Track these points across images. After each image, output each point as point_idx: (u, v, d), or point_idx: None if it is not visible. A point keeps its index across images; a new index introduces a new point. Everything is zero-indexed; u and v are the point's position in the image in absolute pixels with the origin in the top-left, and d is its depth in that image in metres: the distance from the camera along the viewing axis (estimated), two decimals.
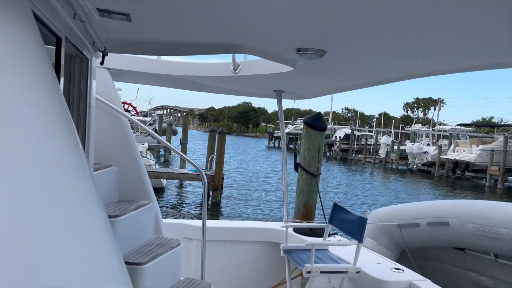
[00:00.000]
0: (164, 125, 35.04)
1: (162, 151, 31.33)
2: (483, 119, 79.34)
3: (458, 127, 43.45)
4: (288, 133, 55.16)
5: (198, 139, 52.07)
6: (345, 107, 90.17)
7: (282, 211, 4.21)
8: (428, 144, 40.41)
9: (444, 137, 42.53)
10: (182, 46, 2.49)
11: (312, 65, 2.61)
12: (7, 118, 0.65)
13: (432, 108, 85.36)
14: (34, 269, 0.56)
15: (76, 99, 2.56)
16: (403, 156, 38.30)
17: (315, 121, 5.21)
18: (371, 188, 24.82)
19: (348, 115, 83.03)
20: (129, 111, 42.46)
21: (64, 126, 0.83)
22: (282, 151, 4.05)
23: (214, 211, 14.73)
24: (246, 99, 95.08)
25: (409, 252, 4.61)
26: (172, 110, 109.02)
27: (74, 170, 0.79)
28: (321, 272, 3.12)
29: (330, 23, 1.69)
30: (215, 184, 15.64)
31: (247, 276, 4.27)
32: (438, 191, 26.10)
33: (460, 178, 32.90)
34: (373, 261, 3.52)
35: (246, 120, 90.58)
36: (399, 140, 42.74)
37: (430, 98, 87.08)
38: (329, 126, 50.11)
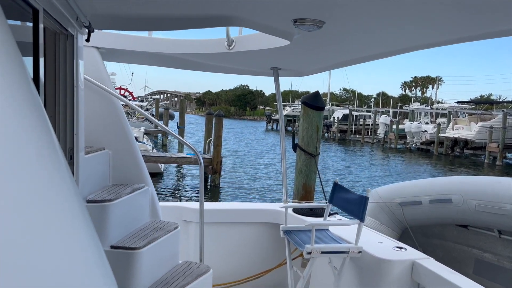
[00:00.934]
0: (161, 109, 34.83)
1: (159, 136, 31.23)
2: (481, 96, 79.18)
3: (456, 104, 43.35)
4: (286, 115, 54.97)
5: (196, 123, 51.91)
6: (342, 88, 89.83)
7: (281, 193, 4.13)
8: (427, 123, 40.34)
9: (443, 115, 42.43)
10: (173, 20, 2.36)
11: (310, 39, 2.49)
12: None
13: (430, 86, 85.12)
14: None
15: (63, 80, 2.44)
16: (402, 135, 38.27)
17: (313, 100, 5.10)
18: (370, 168, 24.85)
19: (346, 95, 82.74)
20: (125, 97, 42.17)
21: (29, 112, 0.72)
22: (280, 130, 3.95)
23: (213, 194, 14.72)
24: (243, 81, 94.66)
25: (411, 230, 4.56)
26: (169, 95, 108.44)
27: (38, 156, 0.68)
28: (322, 252, 3.06)
29: None
30: (213, 168, 15.60)
31: (246, 258, 4.22)
32: (437, 169, 26.15)
33: (459, 156, 32.95)
34: (374, 240, 3.45)
35: (244, 103, 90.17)
36: (397, 119, 42.66)
37: (428, 77, 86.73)
38: (327, 107, 49.87)
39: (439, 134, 34.56)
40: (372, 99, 74.76)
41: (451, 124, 35.10)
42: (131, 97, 45.30)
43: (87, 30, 2.41)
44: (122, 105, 3.45)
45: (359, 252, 3.09)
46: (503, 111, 33.21)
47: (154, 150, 18.98)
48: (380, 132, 42.70)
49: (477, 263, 4.23)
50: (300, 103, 5.69)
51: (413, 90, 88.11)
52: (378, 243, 3.41)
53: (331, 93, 71.58)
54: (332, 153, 32.13)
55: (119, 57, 3.71)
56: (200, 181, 3.51)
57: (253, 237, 4.24)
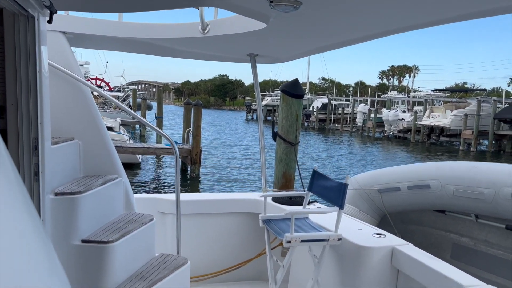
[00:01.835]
0: (138, 100, 34.25)
1: (137, 126, 30.75)
2: (456, 85, 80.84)
3: (432, 93, 44.14)
4: (265, 105, 54.81)
5: (174, 114, 51.30)
6: (321, 77, 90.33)
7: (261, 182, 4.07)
8: (404, 111, 40.98)
9: (420, 103, 43.18)
10: (142, 0, 2.23)
11: (287, 22, 2.40)
12: None
13: (407, 75, 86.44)
14: None
15: (24, 65, 2.28)
16: (380, 123, 38.81)
17: (292, 88, 5.02)
18: (349, 156, 25.12)
19: (325, 85, 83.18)
20: (101, 87, 41.26)
21: None
22: (258, 118, 3.86)
23: (193, 185, 14.58)
24: (222, 71, 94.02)
25: (390, 216, 4.57)
26: (147, 85, 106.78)
27: None
28: (302, 241, 3.01)
29: None
30: (192, 158, 15.43)
31: (225, 249, 4.15)
32: (414, 156, 26.65)
33: (435, 143, 33.65)
34: (354, 228, 3.43)
35: (223, 93, 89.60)
36: (375, 108, 43.17)
37: (405, 66, 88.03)
38: (306, 97, 49.99)
39: (416, 122, 35.19)
40: (351, 88, 75.33)
41: (427, 112, 35.77)
42: (107, 88, 44.36)
43: (48, 11, 2.25)
44: (96, 96, 3.30)
45: (339, 239, 3.06)
46: (477, 98, 34.02)
47: (131, 141, 18.64)
48: (359, 120, 43.19)
49: (454, 248, 4.27)
50: (279, 92, 5.61)
51: (390, 79, 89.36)
52: (357, 230, 3.39)
53: (310, 83, 71.79)
54: (312, 142, 32.32)
55: (88, 43, 3.54)
56: (176, 171, 3.41)
57: (232, 227, 4.17)
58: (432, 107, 36.74)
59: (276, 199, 4.15)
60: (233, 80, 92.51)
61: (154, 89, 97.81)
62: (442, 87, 50.05)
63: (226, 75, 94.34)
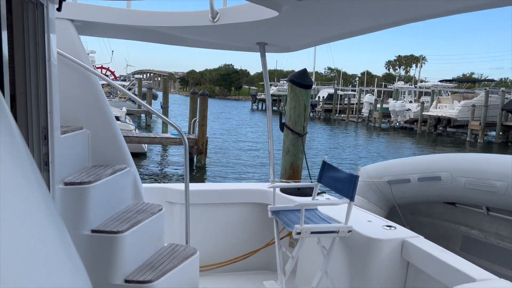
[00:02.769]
0: (144, 89, 34.19)
1: (143, 116, 30.74)
2: (463, 75, 79.99)
3: (439, 83, 43.70)
4: (271, 95, 54.37)
5: (180, 103, 51.27)
6: (327, 67, 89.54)
7: (268, 173, 4.04)
8: (411, 102, 40.65)
9: (426, 94, 42.78)
10: None
11: (300, 10, 2.35)
12: None
13: (413, 65, 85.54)
14: None
15: (33, 54, 2.25)
16: (386, 114, 38.52)
17: (301, 78, 4.95)
18: (355, 147, 25.00)
19: (331, 75, 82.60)
20: (107, 76, 41.20)
21: None
22: (266, 108, 3.81)
23: (200, 175, 14.59)
24: (228, 60, 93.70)
25: (399, 208, 4.54)
26: (152, 74, 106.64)
27: None
28: (312, 232, 2.99)
29: None
30: (199, 148, 15.42)
31: (233, 239, 4.14)
32: (420, 147, 26.47)
33: (441, 134, 33.40)
34: (363, 219, 3.40)
35: (228, 83, 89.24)
36: (381, 98, 42.85)
37: (411, 56, 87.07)
38: (312, 87, 49.55)
39: (423, 113, 34.90)
40: (357, 78, 74.81)
41: (434, 103, 35.43)
42: (113, 77, 44.36)
43: None
44: (102, 84, 3.27)
45: (349, 231, 3.03)
46: (485, 89, 33.61)
47: (137, 130, 18.65)
48: (365, 111, 42.88)
49: (464, 240, 4.24)
50: (285, 82, 5.55)
51: (397, 69, 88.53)
52: (367, 222, 3.36)
53: (316, 73, 71.29)
54: (318, 132, 32.20)
55: (96, 31, 3.50)
56: (185, 161, 3.38)
57: (240, 217, 4.16)
58: (439, 97, 36.37)
59: (284, 190, 4.13)
60: (239, 70, 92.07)
61: (159, 78, 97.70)
62: (450, 78, 49.60)
63: (231, 64, 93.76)
